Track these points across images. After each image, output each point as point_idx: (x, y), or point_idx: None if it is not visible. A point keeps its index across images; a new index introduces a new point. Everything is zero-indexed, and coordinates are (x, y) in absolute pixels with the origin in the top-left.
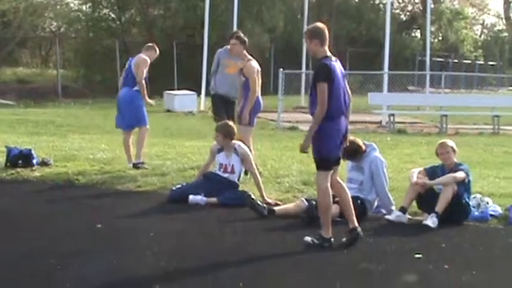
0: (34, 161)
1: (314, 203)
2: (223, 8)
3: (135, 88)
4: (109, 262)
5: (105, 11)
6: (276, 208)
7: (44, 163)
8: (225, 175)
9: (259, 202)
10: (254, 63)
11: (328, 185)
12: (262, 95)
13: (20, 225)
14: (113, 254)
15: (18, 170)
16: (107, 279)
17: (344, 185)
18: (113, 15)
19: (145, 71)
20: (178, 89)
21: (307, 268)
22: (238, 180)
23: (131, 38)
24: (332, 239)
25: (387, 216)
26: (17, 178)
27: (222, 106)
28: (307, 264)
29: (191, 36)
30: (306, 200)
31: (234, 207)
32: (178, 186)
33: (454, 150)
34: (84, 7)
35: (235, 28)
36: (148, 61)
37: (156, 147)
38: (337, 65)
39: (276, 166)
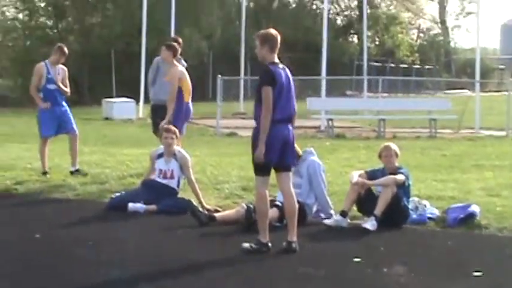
0: None
1: (253, 207)
2: (160, 15)
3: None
4: (47, 271)
5: (42, 19)
6: (216, 214)
7: None
8: (164, 181)
9: (199, 209)
10: (179, 69)
11: (266, 190)
12: (200, 101)
13: None
14: (51, 263)
15: None
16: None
17: (294, 198)
18: (49, 24)
19: (35, 79)
20: (117, 97)
21: (246, 273)
22: (178, 186)
23: (68, 46)
24: (269, 244)
25: (326, 221)
26: None
27: (160, 116)
28: (245, 269)
29: (129, 43)
30: (246, 205)
31: (174, 214)
32: (118, 194)
33: (396, 154)
34: (20, 15)
35: (172, 35)
36: (39, 68)
37: (95, 155)
38: (283, 72)
39: (215, 172)
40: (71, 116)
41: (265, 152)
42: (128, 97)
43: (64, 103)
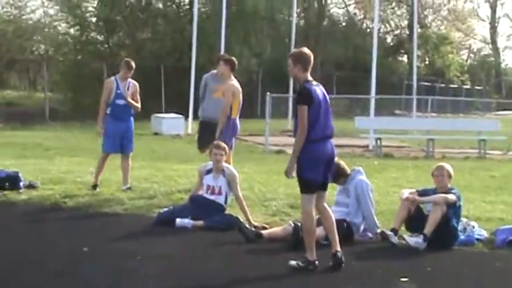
0: (21, 184)
1: (300, 225)
2: (210, 31)
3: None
4: (95, 285)
5: (93, 34)
6: (263, 232)
7: (31, 186)
8: (212, 197)
9: (247, 226)
10: (234, 83)
11: (312, 208)
12: (248, 118)
13: (5, 247)
14: (99, 276)
15: (5, 192)
16: None
17: (330, 210)
18: (100, 39)
19: (105, 93)
20: (166, 112)
21: (293, 286)
22: (225, 203)
23: (119, 62)
24: (317, 262)
25: (370, 234)
26: (3, 201)
27: (208, 132)
28: (292, 287)
29: (179, 59)
30: (293, 223)
31: (221, 230)
32: (166, 209)
33: (449, 175)
34: (72, 30)
35: (222, 51)
36: (109, 82)
37: (143, 170)
38: (318, 89)
39: (263, 189)
40: (133, 134)
41: (311, 171)
42: (176, 113)
43: (132, 118)
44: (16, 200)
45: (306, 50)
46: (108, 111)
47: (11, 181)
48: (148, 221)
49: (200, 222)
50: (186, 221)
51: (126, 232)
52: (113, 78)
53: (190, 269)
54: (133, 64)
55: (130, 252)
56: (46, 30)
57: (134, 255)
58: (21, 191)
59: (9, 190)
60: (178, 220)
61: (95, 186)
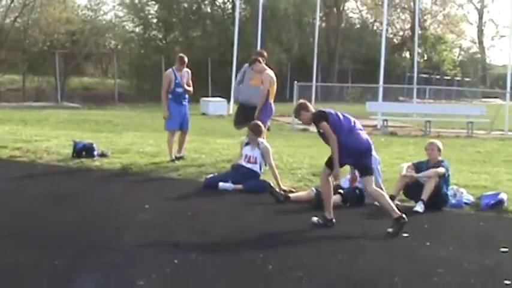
0: (95, 153)
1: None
2: (249, 31)
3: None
4: (154, 235)
5: (154, 32)
6: (290, 195)
7: (103, 155)
8: (249, 165)
9: (277, 189)
10: (270, 73)
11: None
12: (279, 102)
13: (81, 205)
14: (157, 229)
15: (82, 160)
16: (152, 248)
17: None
18: (159, 36)
19: (165, 84)
20: (212, 96)
21: (314, 242)
22: (260, 170)
23: (174, 55)
24: (333, 220)
25: (376, 202)
26: (81, 167)
27: (243, 113)
28: (314, 239)
29: (223, 54)
30: (315, 188)
31: (256, 193)
32: (211, 175)
33: (439, 149)
34: (137, 29)
35: (258, 48)
36: (168, 74)
37: (193, 144)
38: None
39: (291, 160)
40: (188, 114)
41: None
42: (221, 97)
43: (187, 101)
44: (91, 166)
45: (300, 102)
46: (169, 97)
47: (87, 151)
48: (197, 184)
49: (239, 186)
50: (228, 185)
51: (179, 193)
52: (170, 70)
53: (230, 223)
54: (185, 59)
55: (182, 209)
56: (116, 29)
57: (185, 211)
58: (95, 159)
59: (85, 158)
60: (220, 184)
61: (172, 161)
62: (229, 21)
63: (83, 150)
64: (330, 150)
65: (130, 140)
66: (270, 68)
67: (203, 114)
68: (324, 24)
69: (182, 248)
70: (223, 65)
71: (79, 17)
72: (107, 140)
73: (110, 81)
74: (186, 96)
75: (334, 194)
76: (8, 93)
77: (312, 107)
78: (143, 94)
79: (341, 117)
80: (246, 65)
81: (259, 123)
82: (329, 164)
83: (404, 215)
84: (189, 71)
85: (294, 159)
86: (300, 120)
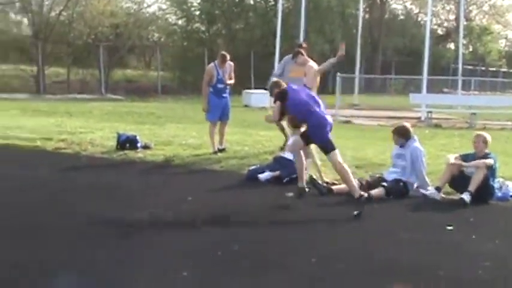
0: (138, 145)
1: (364, 182)
2: (291, 23)
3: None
4: (197, 227)
5: (197, 24)
6: (333, 187)
7: (146, 147)
8: (290, 156)
9: (319, 181)
10: (313, 65)
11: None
12: (322, 93)
13: (124, 196)
14: (201, 221)
15: (126, 152)
16: (195, 240)
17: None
18: (202, 28)
19: (206, 78)
20: (255, 89)
21: (357, 234)
22: None
23: (216, 47)
24: (306, 189)
25: (422, 190)
26: (124, 159)
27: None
28: (356, 231)
29: (266, 46)
30: (359, 180)
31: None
32: (253, 167)
33: (485, 142)
34: (179, 21)
35: (301, 39)
36: (210, 69)
37: (236, 136)
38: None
39: None
40: (229, 107)
41: None
42: (263, 89)
43: (228, 95)
44: (134, 157)
45: None
46: (210, 90)
47: (131, 142)
48: (240, 176)
49: (277, 173)
50: (266, 174)
51: (222, 185)
52: (212, 65)
53: (272, 217)
54: (227, 58)
55: (224, 201)
56: (159, 21)
57: (227, 203)
58: (138, 150)
59: (129, 150)
60: (260, 175)
61: (215, 153)
62: (272, 13)
63: (127, 142)
64: (371, 141)
65: (173, 132)
66: (312, 59)
67: (245, 106)
68: (367, 16)
69: (225, 240)
70: (266, 57)
71: (123, 10)
72: (150, 132)
73: (153, 74)
74: (227, 89)
75: (378, 187)
76: (53, 85)
77: (284, 85)
78: (186, 86)
79: (304, 98)
80: (286, 57)
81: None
82: (302, 136)
83: (365, 193)
84: (232, 64)
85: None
86: (273, 97)
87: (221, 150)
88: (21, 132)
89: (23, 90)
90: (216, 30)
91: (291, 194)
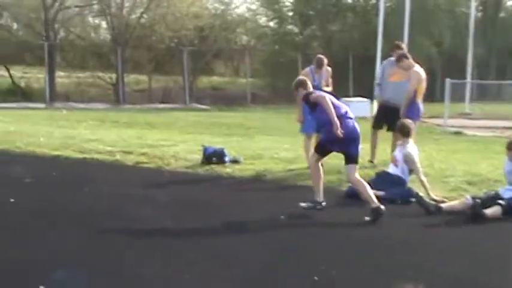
0: (226, 159)
1: (479, 201)
2: (394, 23)
3: None
4: (291, 249)
5: (289, 26)
6: (443, 205)
7: (234, 161)
8: (395, 170)
9: (427, 199)
10: (418, 70)
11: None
12: (429, 101)
13: (212, 215)
14: (293, 242)
15: (213, 166)
16: (291, 264)
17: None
18: (296, 30)
19: None
20: (354, 96)
21: (464, 256)
22: (406, 177)
23: (311, 51)
24: (323, 203)
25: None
26: (211, 173)
27: (382, 115)
28: (464, 252)
29: (366, 48)
30: (472, 198)
31: (402, 203)
32: None
33: None
34: (271, 23)
35: (405, 41)
36: (305, 74)
37: None
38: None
39: (442, 167)
40: None
41: None
42: (363, 97)
43: None
44: (221, 172)
45: None
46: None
47: (218, 156)
48: (338, 193)
49: (381, 192)
50: None
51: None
52: (308, 69)
53: (372, 238)
54: (324, 62)
55: (321, 221)
56: (248, 23)
57: (324, 222)
58: (226, 165)
59: (216, 164)
60: None
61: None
62: (373, 13)
63: (213, 156)
64: (485, 155)
65: (264, 144)
66: (418, 64)
67: None
68: (479, 14)
69: (320, 263)
70: (366, 61)
71: (208, 11)
72: (238, 144)
73: (242, 81)
74: None
75: (493, 205)
76: (133, 94)
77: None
78: (277, 94)
79: (334, 103)
80: (385, 62)
81: (407, 121)
82: (317, 149)
83: (382, 206)
84: (329, 69)
85: (445, 166)
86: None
87: None
88: (99, 145)
89: (101, 100)
90: (311, 32)
91: (304, 205)
